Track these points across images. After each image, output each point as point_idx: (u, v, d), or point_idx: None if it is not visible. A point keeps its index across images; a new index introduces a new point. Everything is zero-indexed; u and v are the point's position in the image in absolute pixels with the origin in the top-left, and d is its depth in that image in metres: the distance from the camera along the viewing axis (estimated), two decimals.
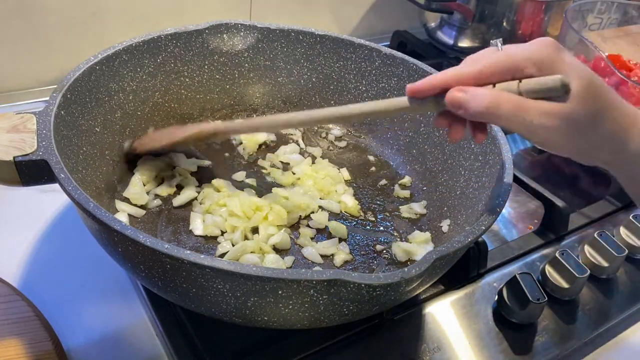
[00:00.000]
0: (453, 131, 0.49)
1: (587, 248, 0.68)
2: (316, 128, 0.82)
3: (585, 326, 0.62)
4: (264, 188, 0.70)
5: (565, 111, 0.42)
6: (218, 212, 0.63)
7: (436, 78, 0.47)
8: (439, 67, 1.01)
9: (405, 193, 0.72)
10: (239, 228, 0.61)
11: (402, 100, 0.50)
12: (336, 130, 0.81)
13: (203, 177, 0.70)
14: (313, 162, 0.75)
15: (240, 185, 0.70)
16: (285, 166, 0.74)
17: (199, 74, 0.76)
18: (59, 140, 0.52)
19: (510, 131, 0.45)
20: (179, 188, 0.68)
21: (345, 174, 0.74)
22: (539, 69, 0.43)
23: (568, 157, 0.46)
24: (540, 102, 0.43)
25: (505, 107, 0.43)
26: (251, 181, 0.71)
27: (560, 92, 0.42)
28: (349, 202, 0.69)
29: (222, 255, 0.59)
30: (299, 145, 0.78)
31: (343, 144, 0.80)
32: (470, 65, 0.46)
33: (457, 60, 1.10)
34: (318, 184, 0.70)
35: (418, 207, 0.70)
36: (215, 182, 0.68)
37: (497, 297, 0.62)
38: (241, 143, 0.76)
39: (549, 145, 0.45)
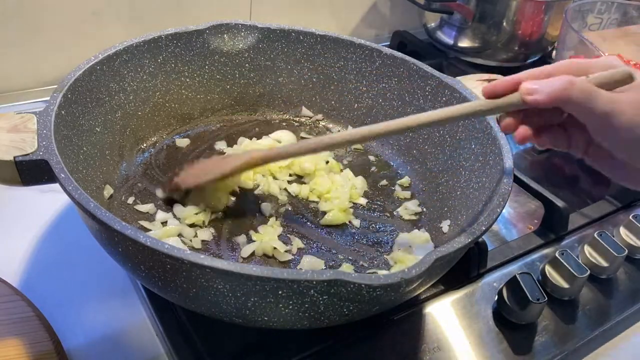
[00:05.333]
0: (520, 131, 0.50)
1: (587, 248, 0.68)
2: (318, 128, 0.82)
3: (585, 326, 0.62)
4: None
5: (633, 98, 0.45)
6: None
7: (509, 77, 0.50)
8: (439, 67, 1.02)
9: (406, 194, 0.72)
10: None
11: (477, 104, 0.51)
12: (335, 129, 0.82)
13: None
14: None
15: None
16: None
17: (200, 74, 0.76)
18: (59, 140, 0.52)
19: (579, 120, 0.47)
20: None
21: (350, 174, 0.74)
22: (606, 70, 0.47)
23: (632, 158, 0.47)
24: (609, 92, 0.45)
25: (578, 91, 0.45)
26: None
27: (626, 83, 0.46)
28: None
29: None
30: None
31: None
32: (541, 68, 0.50)
33: (457, 60, 1.10)
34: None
35: (412, 206, 0.70)
36: None
37: (497, 297, 0.62)
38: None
39: (614, 139, 0.46)
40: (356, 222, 0.67)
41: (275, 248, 0.61)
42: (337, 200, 0.68)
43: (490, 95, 0.50)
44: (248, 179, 0.70)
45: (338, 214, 0.66)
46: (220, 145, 0.76)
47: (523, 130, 0.49)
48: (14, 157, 0.48)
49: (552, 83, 0.46)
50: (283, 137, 0.77)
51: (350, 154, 0.79)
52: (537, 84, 0.47)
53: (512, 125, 0.50)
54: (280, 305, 0.44)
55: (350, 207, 0.69)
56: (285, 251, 0.61)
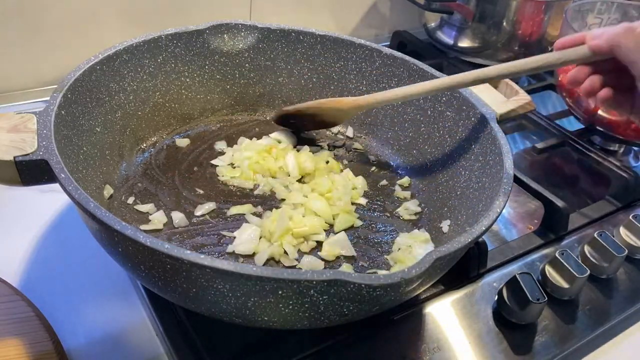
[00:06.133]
0: (587, 84, 0.54)
1: (587, 248, 0.68)
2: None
3: (585, 326, 0.62)
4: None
5: None
6: None
7: (576, 34, 0.56)
8: (439, 67, 1.02)
9: (406, 194, 0.72)
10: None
11: (547, 56, 0.58)
12: (335, 129, 0.82)
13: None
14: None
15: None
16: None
17: (200, 74, 0.76)
18: (59, 140, 0.52)
19: (632, 71, 0.50)
20: None
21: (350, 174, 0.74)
22: None
23: None
24: None
25: (634, 36, 0.48)
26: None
27: None
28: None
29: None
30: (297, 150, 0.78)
31: (341, 143, 0.80)
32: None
33: (457, 60, 1.10)
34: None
35: (412, 206, 0.70)
36: None
37: (497, 297, 0.62)
38: None
39: None
40: (356, 222, 0.67)
41: (285, 253, 0.61)
42: (340, 201, 0.68)
43: (562, 47, 0.55)
44: (248, 178, 0.70)
45: (346, 217, 0.66)
46: (220, 145, 0.76)
47: (590, 81, 0.53)
48: (14, 157, 0.48)
49: (614, 28, 0.49)
50: (283, 137, 0.78)
51: (351, 153, 0.79)
52: (602, 30, 0.50)
53: (581, 77, 0.54)
54: (280, 305, 0.44)
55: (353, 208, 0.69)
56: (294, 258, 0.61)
